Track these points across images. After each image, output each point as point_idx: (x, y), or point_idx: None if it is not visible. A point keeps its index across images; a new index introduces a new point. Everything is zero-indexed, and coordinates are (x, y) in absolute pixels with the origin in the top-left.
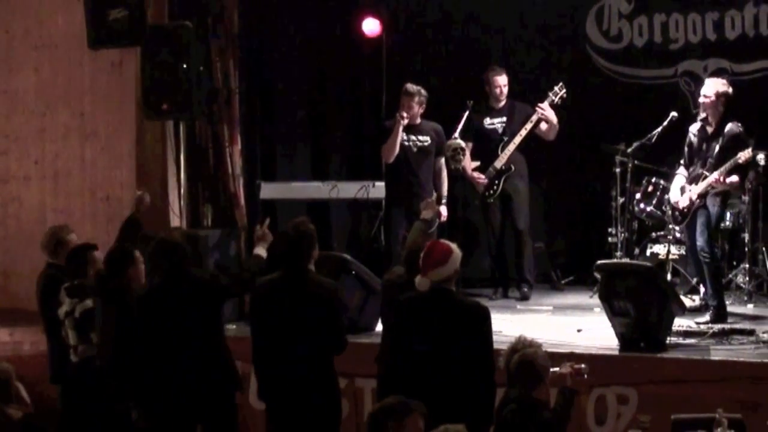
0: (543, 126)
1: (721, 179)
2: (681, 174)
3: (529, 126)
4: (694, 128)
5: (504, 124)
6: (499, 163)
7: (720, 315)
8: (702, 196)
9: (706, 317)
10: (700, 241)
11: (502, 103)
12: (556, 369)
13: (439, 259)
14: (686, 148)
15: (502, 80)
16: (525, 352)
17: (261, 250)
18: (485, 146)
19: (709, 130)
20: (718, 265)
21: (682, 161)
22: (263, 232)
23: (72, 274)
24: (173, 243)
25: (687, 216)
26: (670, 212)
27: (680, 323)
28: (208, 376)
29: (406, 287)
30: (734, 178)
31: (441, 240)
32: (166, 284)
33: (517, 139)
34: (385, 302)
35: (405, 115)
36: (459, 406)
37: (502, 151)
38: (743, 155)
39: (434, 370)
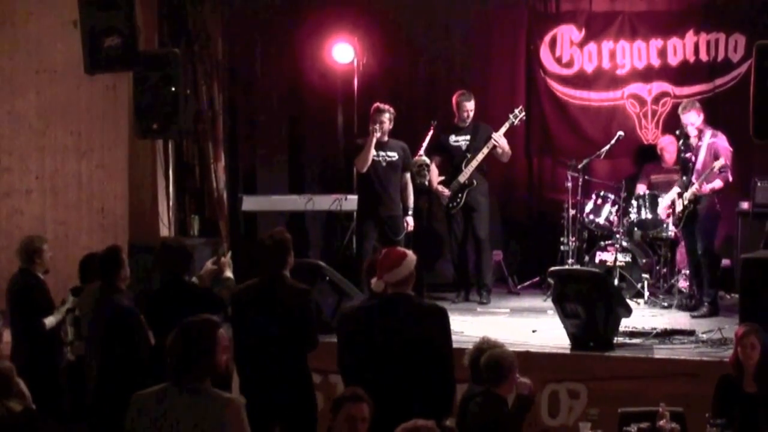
0: (498, 150)
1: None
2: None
3: (485, 151)
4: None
5: (468, 142)
6: (462, 178)
7: (714, 309)
8: (692, 201)
9: (703, 310)
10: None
11: (467, 123)
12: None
13: (393, 262)
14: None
15: (470, 105)
16: (495, 352)
17: (230, 273)
18: (450, 161)
19: (695, 143)
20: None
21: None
22: (228, 261)
23: (83, 279)
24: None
25: (681, 220)
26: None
27: (626, 324)
28: None
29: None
30: (717, 184)
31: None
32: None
33: (480, 157)
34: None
35: (377, 128)
36: (420, 400)
37: (466, 167)
38: (717, 164)
39: (398, 368)
